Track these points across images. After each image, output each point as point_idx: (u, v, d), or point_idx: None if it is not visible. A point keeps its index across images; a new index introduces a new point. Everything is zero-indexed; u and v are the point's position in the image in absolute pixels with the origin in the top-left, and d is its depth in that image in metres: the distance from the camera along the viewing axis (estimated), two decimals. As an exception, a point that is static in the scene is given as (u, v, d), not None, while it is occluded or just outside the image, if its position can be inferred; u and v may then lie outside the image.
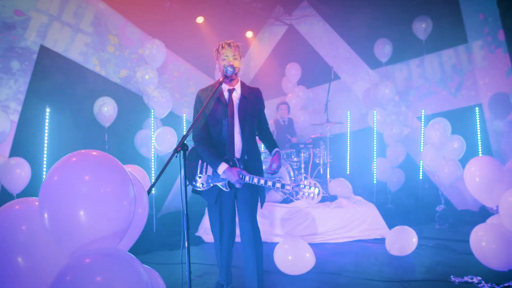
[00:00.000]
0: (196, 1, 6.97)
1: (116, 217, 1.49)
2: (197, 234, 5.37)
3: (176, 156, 2.48)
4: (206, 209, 5.36)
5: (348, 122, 7.07)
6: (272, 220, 5.40)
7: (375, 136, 6.49)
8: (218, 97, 3.09)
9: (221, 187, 3.11)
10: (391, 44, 6.83)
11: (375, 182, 6.45)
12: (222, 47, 2.98)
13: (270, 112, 7.89)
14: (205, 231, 5.36)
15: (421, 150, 6.43)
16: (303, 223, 5.36)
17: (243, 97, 3.04)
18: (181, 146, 2.45)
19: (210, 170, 3.11)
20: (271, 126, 7.23)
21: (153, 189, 5.65)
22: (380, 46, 6.89)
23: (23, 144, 4.66)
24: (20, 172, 4.39)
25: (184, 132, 6.59)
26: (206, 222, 5.38)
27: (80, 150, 1.59)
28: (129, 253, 1.53)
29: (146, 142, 5.57)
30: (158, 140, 5.43)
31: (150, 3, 6.25)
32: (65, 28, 5.16)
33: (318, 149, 6.54)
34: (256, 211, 3.12)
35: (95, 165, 1.49)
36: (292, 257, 3.88)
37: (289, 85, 8.08)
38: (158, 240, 5.16)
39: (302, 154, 6.16)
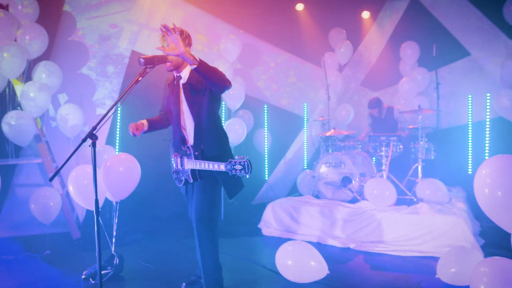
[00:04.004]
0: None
1: None
2: (259, 226, 5.34)
3: (89, 146, 2.64)
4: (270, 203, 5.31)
5: (470, 110, 5.61)
6: (333, 220, 4.88)
7: (487, 126, 4.96)
8: (167, 85, 3.10)
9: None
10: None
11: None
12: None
13: (388, 102, 7.00)
14: (265, 224, 5.28)
15: None
16: (366, 228, 4.65)
17: (187, 84, 2.93)
18: (90, 136, 2.59)
19: (179, 164, 3.11)
20: (368, 119, 6.43)
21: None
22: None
23: (117, 135, 5.64)
24: (107, 158, 5.34)
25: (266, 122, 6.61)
26: (266, 215, 5.29)
27: None
28: None
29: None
30: (227, 132, 5.61)
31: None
32: (153, 34, 5.90)
33: (416, 142, 5.47)
34: (202, 208, 2.95)
35: None
36: (292, 263, 3.48)
37: (406, 68, 6.95)
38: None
39: (383, 148, 5.28)
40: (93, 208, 3.67)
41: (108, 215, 5.28)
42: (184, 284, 3.40)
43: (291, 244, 3.62)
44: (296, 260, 3.48)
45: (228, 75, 5.76)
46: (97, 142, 5.66)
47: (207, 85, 2.87)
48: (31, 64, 4.76)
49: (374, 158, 6.15)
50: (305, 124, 7.25)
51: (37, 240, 4.71)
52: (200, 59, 2.63)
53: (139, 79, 2.75)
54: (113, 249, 3.74)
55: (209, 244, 2.98)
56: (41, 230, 4.88)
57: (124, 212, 5.08)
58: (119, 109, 5.60)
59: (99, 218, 2.64)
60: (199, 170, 2.94)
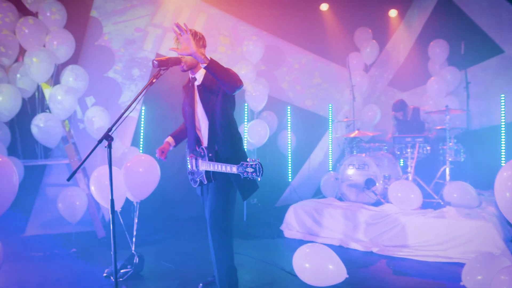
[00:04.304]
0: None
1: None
2: (281, 227, 5.29)
3: (105, 147, 2.70)
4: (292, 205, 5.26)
5: (502, 110, 5.35)
6: (356, 224, 4.78)
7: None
8: (183, 88, 3.13)
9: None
10: None
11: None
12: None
13: (417, 102, 6.80)
14: (287, 226, 5.23)
15: None
16: (389, 231, 4.52)
17: (202, 85, 2.95)
18: (105, 137, 2.65)
19: (194, 165, 3.12)
20: (393, 120, 6.24)
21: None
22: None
23: (141, 136, 5.76)
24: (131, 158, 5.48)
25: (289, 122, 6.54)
26: (288, 217, 5.24)
27: None
28: None
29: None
30: (250, 133, 5.63)
31: (265, 0, 6.45)
32: (178, 36, 5.99)
33: (444, 144, 5.28)
34: (216, 209, 2.94)
35: None
36: (310, 266, 3.43)
37: (435, 67, 6.72)
38: (240, 228, 5.39)
39: (409, 150, 5.11)
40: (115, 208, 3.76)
41: (132, 215, 5.39)
42: (201, 284, 3.41)
43: (309, 246, 3.56)
44: (314, 263, 3.42)
45: (251, 76, 5.77)
46: (123, 143, 5.80)
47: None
48: (59, 68, 4.95)
49: (401, 160, 5.98)
50: (330, 125, 7.15)
51: (65, 238, 4.88)
52: (211, 58, 2.65)
53: (153, 81, 2.79)
54: (133, 248, 3.81)
55: (223, 245, 2.96)
56: (69, 228, 5.05)
57: (149, 213, 5.18)
58: (143, 111, 5.71)
59: (115, 216, 2.68)
60: (213, 172, 2.94)
